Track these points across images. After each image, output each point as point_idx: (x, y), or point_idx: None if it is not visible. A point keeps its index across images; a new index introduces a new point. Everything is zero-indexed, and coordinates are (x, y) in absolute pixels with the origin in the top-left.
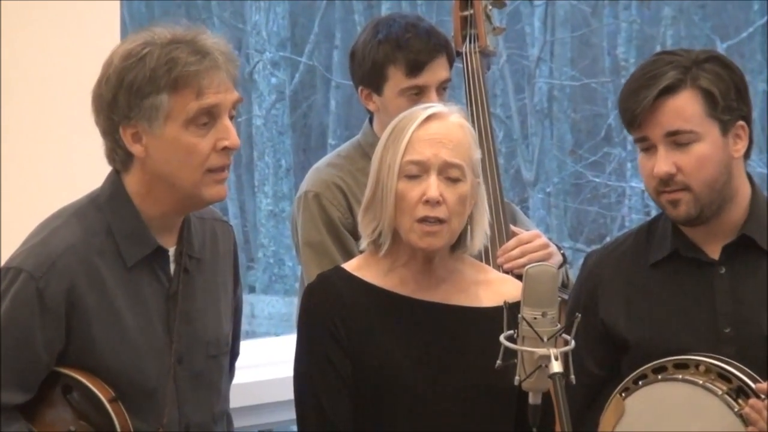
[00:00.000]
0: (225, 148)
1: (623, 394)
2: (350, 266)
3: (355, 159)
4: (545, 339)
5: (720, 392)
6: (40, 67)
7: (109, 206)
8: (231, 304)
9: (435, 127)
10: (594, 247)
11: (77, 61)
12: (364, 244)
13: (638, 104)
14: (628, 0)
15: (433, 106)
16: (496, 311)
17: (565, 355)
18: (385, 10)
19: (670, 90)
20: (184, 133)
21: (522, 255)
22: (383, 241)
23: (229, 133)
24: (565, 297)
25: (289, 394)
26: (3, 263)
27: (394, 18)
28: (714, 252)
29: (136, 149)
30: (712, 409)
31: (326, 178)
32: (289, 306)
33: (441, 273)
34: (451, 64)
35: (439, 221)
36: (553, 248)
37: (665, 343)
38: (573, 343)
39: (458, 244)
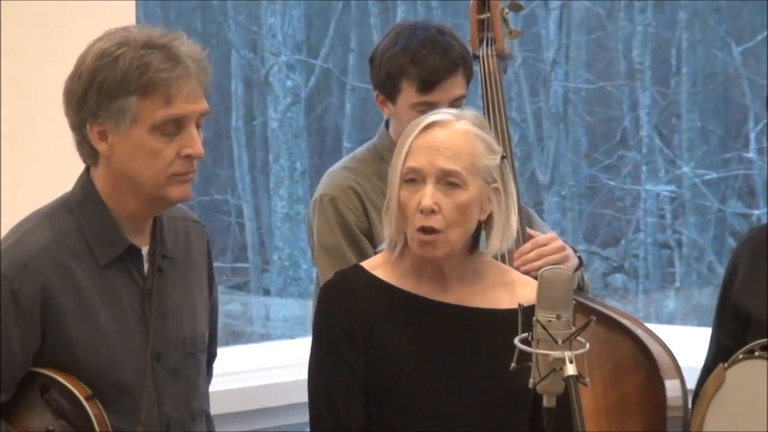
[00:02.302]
0: (189, 156)
1: (725, 365)
2: (369, 264)
3: (371, 162)
4: (560, 342)
5: None
6: (55, 69)
7: (80, 207)
8: (207, 304)
9: (434, 134)
10: (608, 251)
11: None
12: (384, 245)
13: None
14: (644, 1)
15: (439, 113)
16: (513, 314)
17: (579, 358)
18: (400, 13)
19: None
20: (149, 137)
21: (538, 257)
22: (396, 245)
23: (193, 141)
24: (581, 300)
25: (306, 396)
26: None
27: (416, 27)
28: None
29: (101, 147)
30: None
31: (342, 181)
32: (304, 309)
33: (456, 275)
34: (468, 80)
35: (434, 231)
36: (569, 251)
37: None
38: (588, 346)
39: (474, 245)
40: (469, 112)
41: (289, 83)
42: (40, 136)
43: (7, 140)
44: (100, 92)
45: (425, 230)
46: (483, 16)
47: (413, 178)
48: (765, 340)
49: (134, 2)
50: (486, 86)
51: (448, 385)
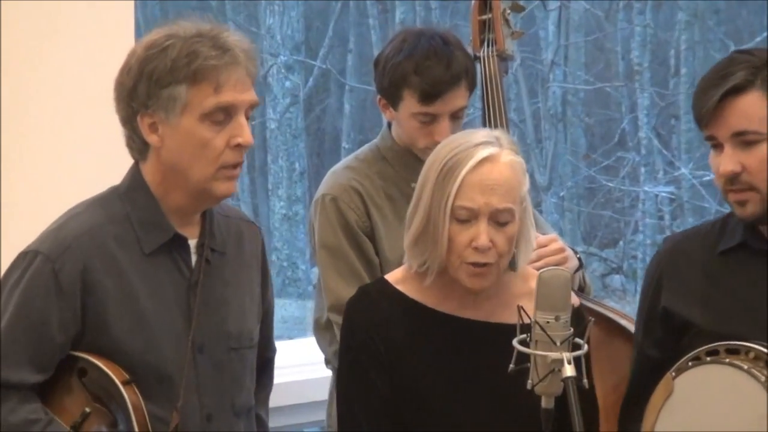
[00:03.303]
0: (238, 145)
1: (674, 374)
2: (393, 277)
3: (373, 163)
4: (558, 343)
5: (763, 378)
6: (55, 69)
7: (128, 196)
8: (258, 304)
9: (487, 171)
10: (607, 252)
11: (93, 63)
12: (408, 261)
13: (705, 103)
14: (642, 1)
15: (485, 145)
16: None
17: (577, 359)
18: (399, 14)
19: (737, 90)
20: (200, 126)
21: (538, 258)
22: (429, 273)
23: (243, 130)
24: (584, 302)
25: (304, 397)
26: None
27: (422, 35)
28: None
29: (152, 139)
30: (753, 395)
31: (344, 181)
32: (302, 309)
33: (487, 290)
34: (471, 90)
35: (488, 264)
36: (569, 252)
37: (724, 329)
38: (585, 347)
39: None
40: (502, 135)
41: (287, 84)
42: (41, 135)
43: (7, 140)
44: (150, 82)
45: (478, 264)
46: (484, 17)
47: (466, 219)
48: (711, 345)
49: (133, 2)
50: (486, 87)
51: (473, 404)
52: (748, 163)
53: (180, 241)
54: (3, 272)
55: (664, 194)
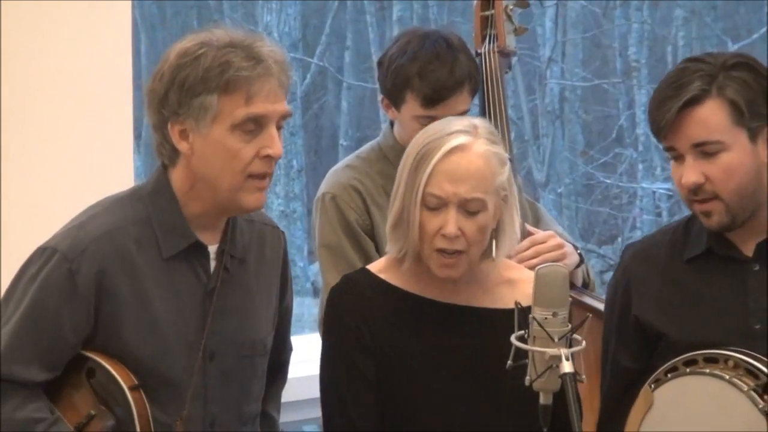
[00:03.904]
0: (268, 156)
1: (653, 386)
2: (375, 267)
3: (374, 161)
4: (556, 339)
5: (746, 388)
6: (53, 68)
7: (150, 198)
8: (274, 310)
9: (456, 160)
10: (605, 248)
11: (90, 61)
12: (389, 249)
13: (663, 115)
14: (639, 0)
15: (458, 133)
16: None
17: (575, 356)
18: (396, 11)
19: (694, 101)
20: (230, 137)
21: (535, 255)
22: (407, 259)
23: (273, 141)
24: (577, 297)
25: (302, 394)
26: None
27: (427, 38)
28: (749, 249)
29: (182, 146)
30: (737, 405)
31: (344, 180)
32: (300, 307)
33: (465, 277)
34: (473, 94)
35: (458, 252)
36: (568, 248)
37: (697, 337)
38: (584, 343)
39: (483, 253)
40: (481, 125)
41: None
42: (37, 133)
43: (6, 139)
44: (181, 90)
45: (447, 252)
46: (487, 13)
47: (435, 207)
48: (689, 355)
49: (130, 1)
50: (487, 84)
51: (456, 385)
52: (710, 173)
53: (200, 248)
54: (2, 271)
55: (661, 191)
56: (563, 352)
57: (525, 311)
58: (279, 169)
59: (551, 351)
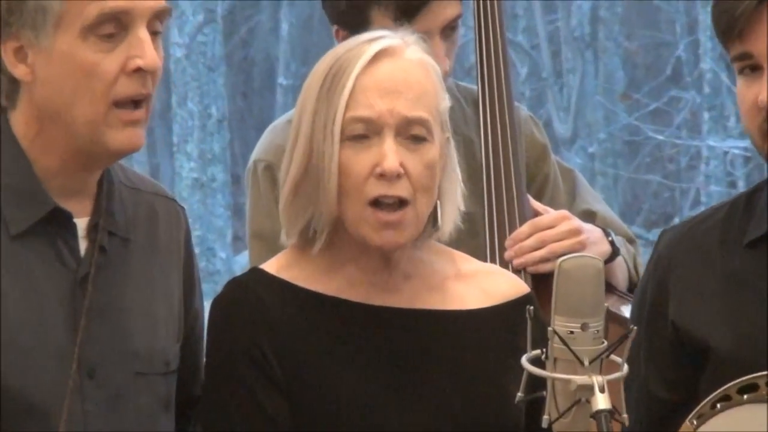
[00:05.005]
0: (139, 70)
1: (695, 422)
2: (272, 267)
3: None
4: (586, 362)
5: None
6: None
7: None
8: (178, 313)
9: (387, 68)
10: (655, 233)
11: None
12: (284, 237)
13: (736, 9)
14: None
15: (381, 36)
16: (485, 315)
17: (615, 385)
18: None
19: None
20: (81, 46)
21: (539, 245)
22: (319, 234)
23: (144, 48)
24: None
25: None
26: None
27: None
28: None
29: (19, 71)
30: None
31: (284, 142)
32: None
33: (402, 268)
34: None
35: (401, 202)
36: (590, 235)
37: (758, 352)
38: (626, 368)
39: (426, 222)
40: (410, 35)
41: None
42: None
43: None
44: None
45: (387, 202)
46: None
47: (362, 134)
48: (747, 378)
49: None
50: None
51: (407, 419)
52: None
53: (62, 219)
54: None
55: (736, 151)
56: (597, 380)
57: (540, 321)
58: (191, 118)
59: (579, 379)
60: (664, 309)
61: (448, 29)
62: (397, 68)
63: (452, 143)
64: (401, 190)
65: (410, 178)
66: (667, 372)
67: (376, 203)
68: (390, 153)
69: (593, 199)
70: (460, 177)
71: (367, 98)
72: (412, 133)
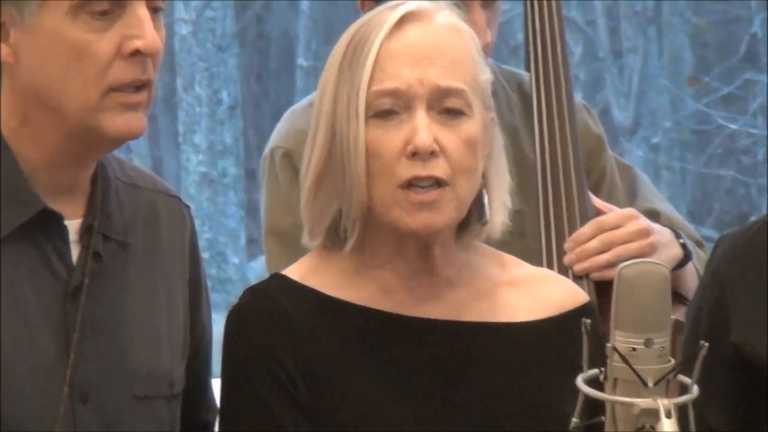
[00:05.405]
0: (137, 52)
1: None
2: (296, 273)
3: None
4: (651, 383)
5: None
6: None
7: None
8: (182, 327)
9: (415, 33)
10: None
11: None
12: (307, 237)
13: None
14: None
15: (408, 2)
16: (539, 328)
17: (683, 409)
18: None
19: None
20: (71, 24)
21: (604, 248)
22: (351, 230)
23: (143, 26)
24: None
25: None
26: None
27: None
28: None
29: (1, 52)
30: None
31: (305, 127)
32: None
33: (445, 272)
34: None
35: (438, 184)
36: (660, 237)
37: None
38: (696, 389)
39: (467, 222)
40: (444, 3)
41: None
42: None
43: None
44: None
45: (421, 185)
46: None
47: (390, 109)
48: None
49: None
50: None
51: None
52: None
53: (51, 221)
54: None
55: None
56: (663, 403)
57: (597, 335)
58: (198, 104)
59: (643, 402)
60: (724, 329)
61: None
62: (427, 32)
63: (498, 126)
64: (437, 169)
65: (447, 157)
66: (727, 401)
67: (410, 185)
68: (422, 128)
69: (656, 197)
70: (505, 167)
71: (393, 68)
72: (446, 106)
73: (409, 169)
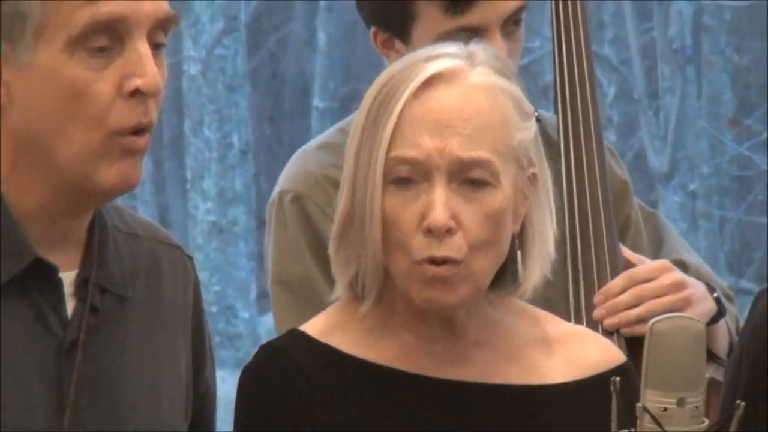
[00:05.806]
0: (136, 92)
1: None
2: (316, 328)
3: None
4: None
5: None
6: None
7: None
8: (185, 385)
9: (441, 96)
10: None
11: None
12: (339, 290)
13: None
14: None
15: (443, 54)
16: (572, 390)
17: None
18: None
19: None
20: (68, 62)
21: (636, 302)
22: (367, 293)
23: (144, 64)
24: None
25: None
26: None
27: None
28: None
29: None
30: None
31: (317, 169)
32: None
33: (472, 332)
34: None
35: (450, 261)
36: (695, 291)
37: None
38: None
39: (499, 281)
40: (480, 49)
41: None
42: None
43: None
44: None
45: (435, 262)
46: None
47: (408, 177)
48: None
49: None
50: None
51: None
52: None
53: (45, 273)
54: None
55: None
56: None
57: (625, 393)
58: (208, 149)
59: None
60: (764, 392)
61: (511, 24)
62: (454, 96)
63: (544, 178)
64: (452, 249)
65: (465, 232)
66: None
67: (423, 261)
68: (438, 204)
69: (683, 247)
70: (552, 217)
71: (413, 134)
72: (469, 176)
73: (425, 248)
